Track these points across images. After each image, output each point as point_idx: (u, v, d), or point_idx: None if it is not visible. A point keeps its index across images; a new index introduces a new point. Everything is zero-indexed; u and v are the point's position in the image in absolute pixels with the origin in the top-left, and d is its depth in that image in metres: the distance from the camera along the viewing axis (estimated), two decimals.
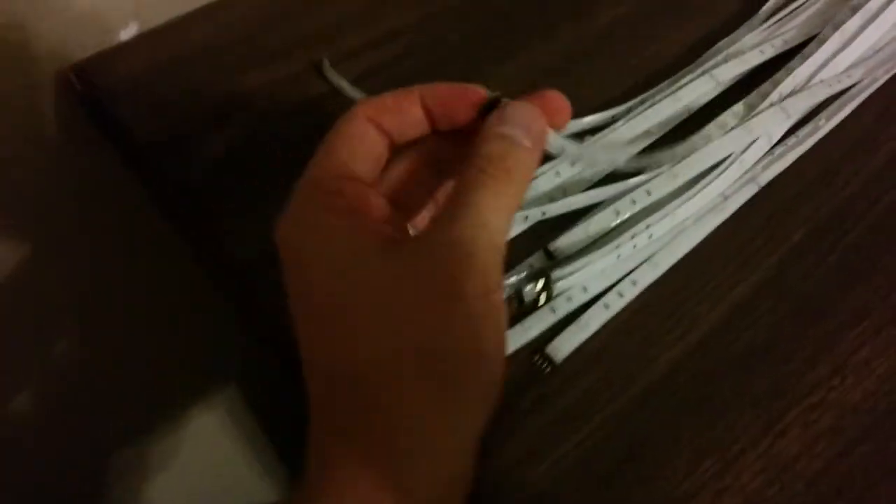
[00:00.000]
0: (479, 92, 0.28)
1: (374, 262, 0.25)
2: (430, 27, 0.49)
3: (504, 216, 0.26)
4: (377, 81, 0.46)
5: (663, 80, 0.46)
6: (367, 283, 0.25)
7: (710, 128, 0.43)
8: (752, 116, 0.43)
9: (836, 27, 0.47)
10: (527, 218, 0.40)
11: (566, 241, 0.39)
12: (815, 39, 0.47)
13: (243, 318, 0.45)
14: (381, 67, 0.47)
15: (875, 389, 0.35)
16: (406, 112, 0.28)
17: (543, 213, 0.39)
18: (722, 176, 0.41)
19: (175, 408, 0.74)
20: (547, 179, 0.41)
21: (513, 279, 0.38)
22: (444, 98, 0.28)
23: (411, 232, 0.30)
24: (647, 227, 0.39)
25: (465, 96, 0.28)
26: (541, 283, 0.37)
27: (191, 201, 0.42)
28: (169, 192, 0.43)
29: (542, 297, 0.37)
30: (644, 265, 0.39)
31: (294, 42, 0.48)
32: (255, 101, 0.45)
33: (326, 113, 0.45)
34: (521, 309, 0.37)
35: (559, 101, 0.28)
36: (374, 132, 0.28)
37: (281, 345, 0.37)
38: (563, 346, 0.37)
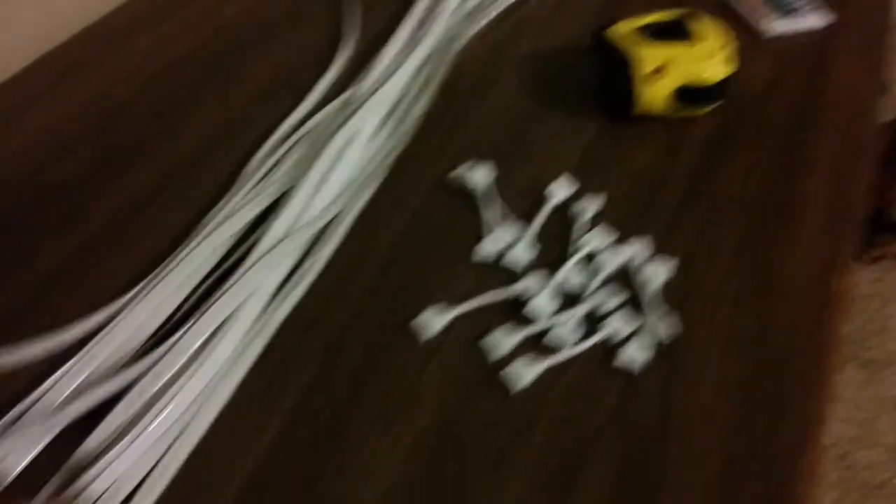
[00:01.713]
0: None
1: None
2: None
3: None
4: None
5: (163, 260, 0.49)
6: None
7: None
8: (245, 272, 0.47)
9: (304, 175, 0.53)
10: (44, 431, 0.39)
11: (91, 443, 0.39)
12: (295, 186, 0.53)
13: None
14: None
15: (399, 484, 0.39)
16: None
17: (63, 420, 0.39)
18: (225, 338, 0.44)
19: None
20: (60, 386, 0.42)
21: None
22: None
23: None
24: (160, 411, 0.40)
25: None
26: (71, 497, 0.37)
27: None
28: None
29: None
30: (179, 440, 0.40)
31: None
32: None
33: None
34: None
35: None
36: None
37: None
38: None
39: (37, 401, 0.41)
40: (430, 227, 0.52)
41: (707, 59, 0.56)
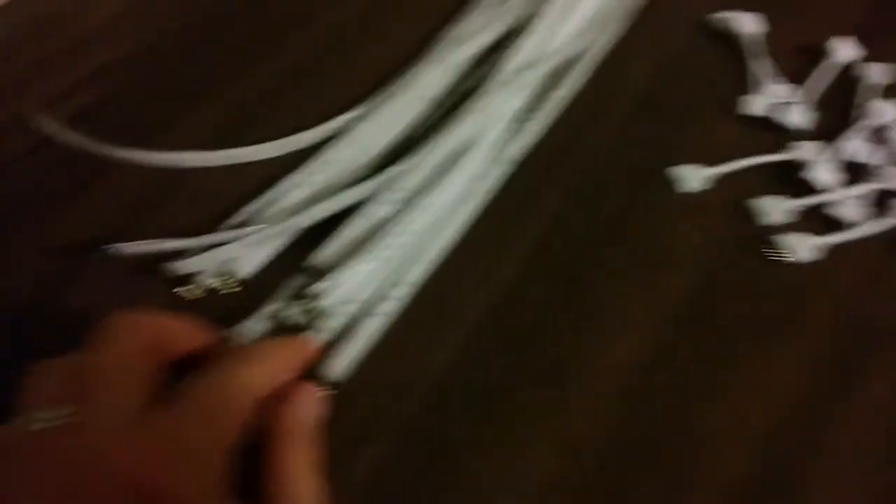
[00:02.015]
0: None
1: None
2: (142, 62, 0.46)
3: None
4: (89, 124, 0.42)
5: (400, 75, 0.45)
6: None
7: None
8: (487, 97, 0.43)
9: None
10: (275, 235, 0.37)
11: (324, 254, 0.37)
12: (536, 14, 0.48)
13: None
14: (91, 109, 0.43)
15: (646, 347, 0.35)
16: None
17: (293, 227, 0.37)
18: (467, 160, 0.40)
19: None
20: (295, 192, 0.39)
21: (273, 306, 0.35)
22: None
23: None
24: (404, 224, 0.37)
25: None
26: (304, 305, 0.35)
27: None
28: None
29: (307, 318, 0.35)
30: (408, 264, 0.38)
31: None
32: None
33: (39, 165, 0.41)
34: (288, 334, 0.35)
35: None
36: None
37: None
38: (339, 365, 0.34)
39: (269, 204, 0.39)
40: (687, 73, 0.46)
41: None
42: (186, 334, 0.30)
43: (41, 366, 0.27)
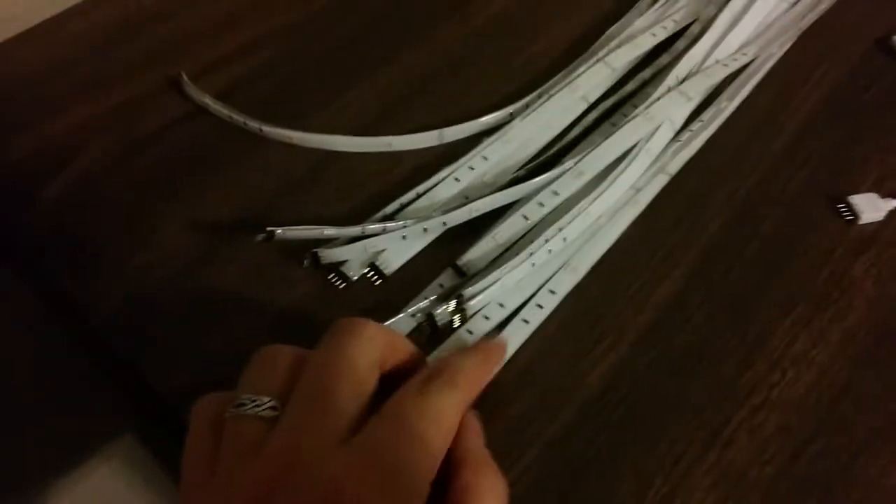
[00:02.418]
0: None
1: None
2: (297, 34, 0.45)
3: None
4: (242, 96, 0.41)
5: (557, 72, 0.43)
6: None
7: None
8: (652, 103, 0.40)
9: (723, 5, 0.45)
10: (426, 230, 0.36)
11: (475, 253, 0.36)
12: (701, 20, 0.46)
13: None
14: (244, 80, 0.42)
15: (816, 381, 0.33)
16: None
17: (445, 224, 0.36)
18: (630, 168, 0.38)
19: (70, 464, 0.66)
20: (446, 186, 0.38)
21: (423, 303, 0.34)
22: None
23: None
24: (560, 230, 0.35)
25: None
26: (453, 304, 0.33)
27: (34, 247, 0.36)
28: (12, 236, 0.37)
29: (457, 319, 0.33)
30: (561, 272, 0.36)
31: (148, 56, 0.43)
32: (112, 121, 0.40)
33: (190, 133, 0.40)
34: (436, 334, 0.33)
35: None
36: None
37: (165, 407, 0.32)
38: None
39: (420, 196, 0.38)
40: (866, 91, 0.43)
41: None
42: (408, 353, 0.29)
43: (269, 350, 0.27)
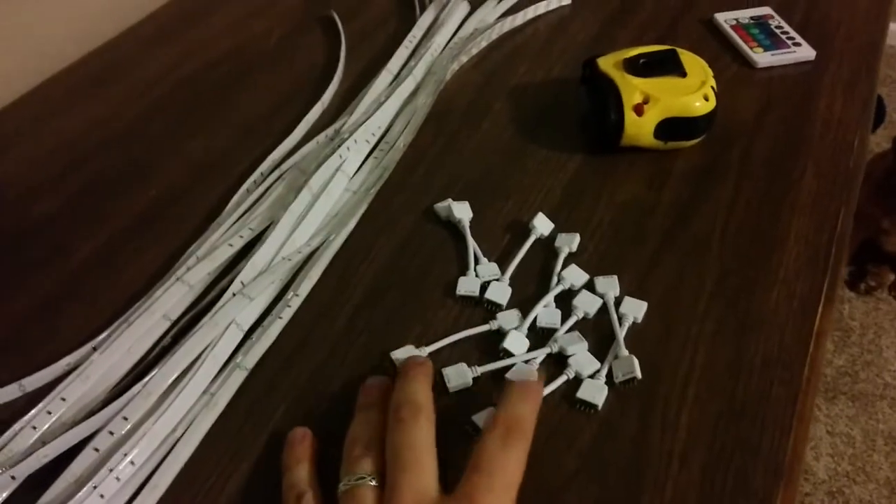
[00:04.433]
0: None
1: None
2: None
3: None
4: None
5: (138, 299, 0.49)
6: None
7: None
8: (218, 310, 0.46)
9: (287, 208, 0.53)
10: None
11: (50, 495, 0.38)
12: (276, 223, 0.53)
13: None
14: None
15: None
16: None
17: (13, 478, 0.38)
18: (196, 376, 0.43)
19: None
20: (24, 436, 0.41)
21: None
22: None
23: None
24: (125, 455, 0.39)
25: None
26: None
27: None
28: None
29: None
30: (144, 491, 0.39)
31: None
32: None
33: None
34: None
35: None
36: None
37: None
38: None
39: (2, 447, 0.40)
40: (413, 260, 0.52)
41: (692, 92, 0.56)
42: None
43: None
